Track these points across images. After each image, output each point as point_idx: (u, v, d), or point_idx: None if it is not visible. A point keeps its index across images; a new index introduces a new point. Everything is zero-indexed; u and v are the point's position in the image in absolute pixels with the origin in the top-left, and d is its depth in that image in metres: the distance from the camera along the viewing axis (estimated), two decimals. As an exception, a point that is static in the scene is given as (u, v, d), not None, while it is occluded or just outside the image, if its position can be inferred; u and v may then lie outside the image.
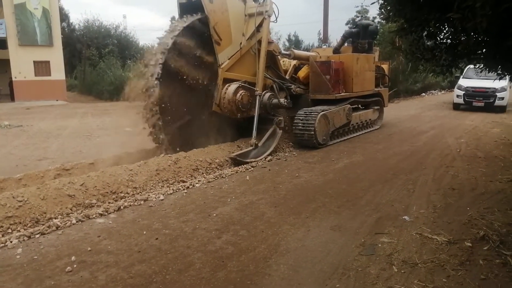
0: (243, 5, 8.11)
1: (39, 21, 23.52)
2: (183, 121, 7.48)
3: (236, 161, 7.02)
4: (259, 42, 8.14)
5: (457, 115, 14.08)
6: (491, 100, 14.66)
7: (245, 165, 6.92)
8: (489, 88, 14.50)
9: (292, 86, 9.24)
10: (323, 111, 8.52)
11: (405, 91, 22.09)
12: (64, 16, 33.33)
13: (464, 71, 15.32)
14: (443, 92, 26.00)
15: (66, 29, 33.35)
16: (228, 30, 7.67)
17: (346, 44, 11.46)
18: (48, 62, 24.41)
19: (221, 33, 7.49)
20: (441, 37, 3.38)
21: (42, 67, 24.24)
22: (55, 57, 24.53)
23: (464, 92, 15.17)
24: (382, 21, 4.39)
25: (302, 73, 9.89)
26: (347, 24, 34.06)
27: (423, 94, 23.83)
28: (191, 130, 7.65)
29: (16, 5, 22.64)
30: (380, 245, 3.81)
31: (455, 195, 5.25)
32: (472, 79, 15.38)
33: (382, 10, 3.36)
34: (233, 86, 7.60)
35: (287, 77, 9.59)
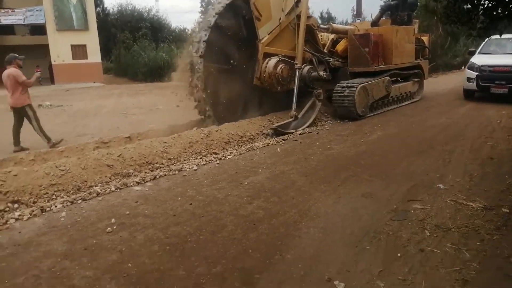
0: None
1: (75, 6, 24.17)
2: (226, 95, 7.75)
3: (278, 132, 7.19)
4: (298, 17, 8.24)
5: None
6: None
7: (276, 138, 6.96)
8: None
9: (331, 60, 9.28)
10: (362, 83, 8.50)
11: (444, 66, 21.22)
12: (98, 1, 34.03)
13: (482, 44, 11.45)
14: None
15: (100, 14, 34.05)
16: (268, 6, 7.83)
17: (384, 17, 11.20)
18: (85, 46, 25.15)
19: (261, 9, 7.65)
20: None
21: (79, 51, 25.03)
22: (91, 41, 25.22)
23: (478, 73, 10.30)
24: None
25: (340, 47, 9.86)
26: (382, -1, 32.84)
27: (463, 67, 22.81)
28: (233, 103, 7.92)
29: (54, -9, 23.32)
30: (412, 211, 3.77)
31: (494, 165, 5.08)
32: (493, 56, 10.80)
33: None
34: (273, 60, 7.81)
35: (325, 51, 9.59)
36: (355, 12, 28.06)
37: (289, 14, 8.17)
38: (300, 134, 7.28)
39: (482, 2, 3.48)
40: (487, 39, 10.33)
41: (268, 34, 7.87)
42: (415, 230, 3.38)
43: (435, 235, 3.28)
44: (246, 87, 8.05)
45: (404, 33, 10.08)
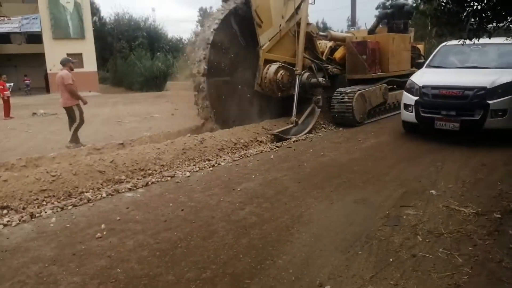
0: None
1: (71, 14, 24.26)
2: (231, 107, 8.02)
3: (279, 137, 7.29)
4: (298, 24, 8.40)
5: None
6: (476, 117, 6.33)
7: (269, 146, 6.95)
8: (473, 88, 6.38)
9: (329, 67, 9.39)
10: (360, 90, 8.58)
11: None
12: (95, 10, 34.14)
13: (434, 52, 8.19)
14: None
15: (97, 23, 34.16)
16: (269, 13, 7.96)
17: (381, 26, 11.35)
18: (81, 54, 25.18)
19: (262, 16, 7.81)
20: (468, 0, 3.25)
21: (75, 60, 25.00)
22: (87, 49, 25.28)
23: (417, 98, 6.94)
24: None
25: (338, 54, 9.99)
26: (377, 8, 33.27)
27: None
28: (237, 112, 8.12)
29: (50, 0, 23.37)
30: (405, 216, 3.75)
31: (486, 171, 5.09)
32: (445, 71, 7.45)
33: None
34: (273, 66, 7.96)
35: (323, 58, 9.70)
36: (350, 22, 28.35)
37: (289, 21, 8.32)
38: (294, 141, 7.27)
39: (471, 4, 3.52)
40: (442, 44, 8.13)
41: (269, 41, 8.00)
42: (408, 235, 3.36)
43: (427, 240, 3.26)
44: (248, 93, 8.25)
45: (400, 41, 10.22)
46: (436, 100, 6.65)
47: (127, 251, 3.20)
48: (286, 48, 8.40)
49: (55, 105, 16.98)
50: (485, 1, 3.25)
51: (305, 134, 7.68)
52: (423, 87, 6.84)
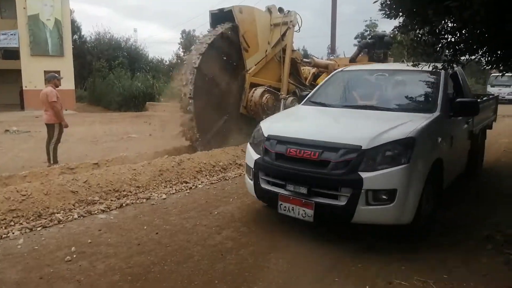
0: (269, 16, 8.78)
1: (51, 32, 23.99)
2: (217, 128, 8.16)
3: None
4: (283, 50, 8.72)
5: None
6: (341, 200, 3.47)
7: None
8: (337, 147, 3.54)
9: None
10: None
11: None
12: (76, 29, 33.89)
13: (324, 81, 5.70)
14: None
15: (77, 41, 33.87)
16: (255, 38, 8.26)
17: (361, 54, 11.72)
18: (59, 72, 24.70)
19: (249, 41, 8.11)
20: (442, 32, 3.41)
21: (61, 76, 24.63)
22: (66, 67, 24.89)
23: (258, 157, 4.08)
24: (386, 17, 4.30)
25: (321, 80, 10.23)
26: (356, 38, 34.42)
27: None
28: (223, 133, 8.27)
29: (30, 16, 23.13)
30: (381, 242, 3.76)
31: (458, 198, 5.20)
32: (324, 111, 4.81)
33: (384, 6, 3.41)
34: (259, 90, 8.22)
35: (307, 83, 9.94)
36: (330, 50, 29.14)
37: (275, 47, 8.64)
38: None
39: (445, 36, 3.68)
40: (338, 70, 5.72)
41: (255, 65, 8.25)
42: (384, 262, 3.36)
43: (402, 267, 3.26)
44: (233, 116, 8.42)
45: None
46: (281, 164, 3.78)
47: (97, 276, 3.08)
48: (271, 72, 8.67)
49: (28, 122, 16.59)
50: (458, 34, 3.41)
51: None
52: (268, 138, 4.02)
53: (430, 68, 4.13)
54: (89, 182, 5.09)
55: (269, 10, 8.88)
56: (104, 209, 4.66)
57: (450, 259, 3.40)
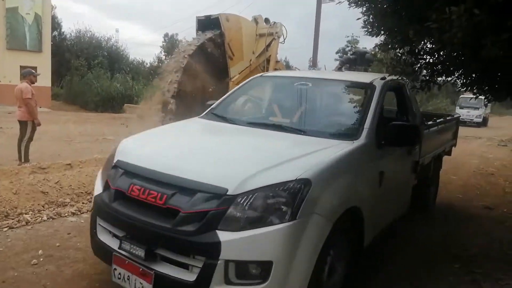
0: (255, 26, 8.91)
1: (30, 26, 23.45)
2: None
3: None
4: (267, 60, 8.82)
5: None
6: (191, 273, 2.22)
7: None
8: (194, 189, 2.29)
9: None
10: None
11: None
12: (56, 25, 33.22)
13: (238, 87, 4.67)
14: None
15: (57, 38, 33.19)
16: (241, 47, 8.34)
17: (343, 69, 11.95)
18: (35, 68, 24.16)
19: (234, 49, 8.20)
20: (421, 53, 3.52)
21: (38, 73, 24.03)
22: (43, 63, 24.32)
23: (99, 193, 2.79)
24: (368, 34, 4.41)
25: None
26: (337, 53, 35.05)
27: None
28: None
29: (8, 9, 22.56)
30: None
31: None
32: (220, 127, 3.73)
33: (366, 23, 3.49)
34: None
35: None
36: (311, 63, 29.57)
37: (260, 57, 8.81)
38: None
39: (424, 56, 3.80)
40: (257, 75, 4.84)
41: (239, 74, 8.29)
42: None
43: None
44: None
45: None
46: (118, 209, 2.56)
47: (64, 281, 3.00)
48: None
49: (0, 117, 16.08)
50: (436, 55, 3.52)
51: None
52: (115, 165, 2.82)
53: (366, 78, 3.43)
54: (61, 183, 4.97)
55: (255, 20, 9.01)
56: (74, 211, 4.55)
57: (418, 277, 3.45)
